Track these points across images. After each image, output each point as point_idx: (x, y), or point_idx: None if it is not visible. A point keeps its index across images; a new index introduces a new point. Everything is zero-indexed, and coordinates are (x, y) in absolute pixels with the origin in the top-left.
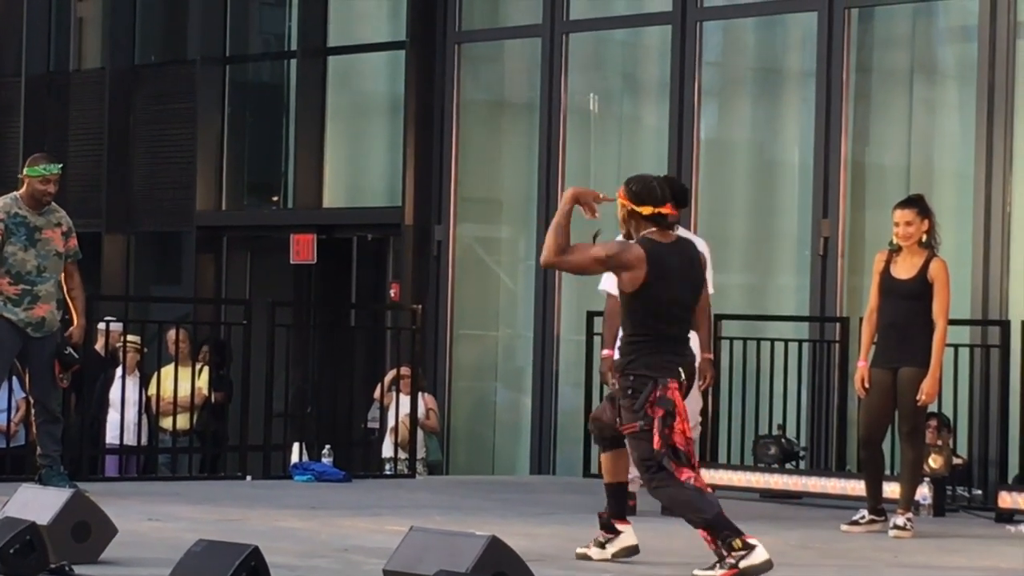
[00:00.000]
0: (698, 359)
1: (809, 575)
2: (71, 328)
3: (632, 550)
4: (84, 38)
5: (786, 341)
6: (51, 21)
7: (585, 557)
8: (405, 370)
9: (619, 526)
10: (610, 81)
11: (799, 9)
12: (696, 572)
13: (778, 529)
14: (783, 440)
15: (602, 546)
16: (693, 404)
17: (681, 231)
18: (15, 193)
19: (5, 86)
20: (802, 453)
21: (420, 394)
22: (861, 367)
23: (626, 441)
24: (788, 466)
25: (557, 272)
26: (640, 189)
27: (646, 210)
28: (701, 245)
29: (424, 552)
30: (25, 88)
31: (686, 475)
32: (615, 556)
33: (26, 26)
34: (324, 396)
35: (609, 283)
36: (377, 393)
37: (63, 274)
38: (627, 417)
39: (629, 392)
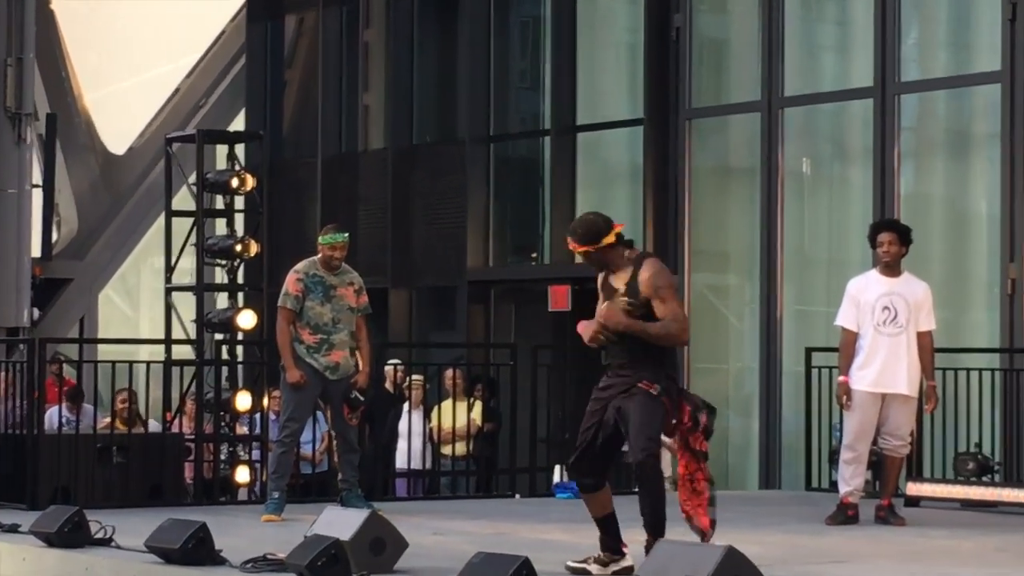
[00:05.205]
0: (925, 386)
1: (1009, 574)
2: (356, 375)
3: (630, 570)
4: (370, 123)
5: (980, 370)
6: (342, 109)
7: (583, 572)
8: None
9: (624, 548)
10: (820, 148)
11: (983, 82)
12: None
13: (977, 535)
14: (979, 456)
15: (604, 564)
16: (905, 426)
17: (906, 275)
18: (314, 257)
19: (304, 166)
20: (997, 467)
21: None
22: None
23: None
24: (985, 479)
25: (779, 311)
26: (584, 230)
27: (609, 239)
28: (923, 287)
29: (669, 561)
30: (321, 167)
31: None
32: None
33: (320, 114)
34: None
35: (844, 318)
36: None
37: (355, 326)
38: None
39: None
